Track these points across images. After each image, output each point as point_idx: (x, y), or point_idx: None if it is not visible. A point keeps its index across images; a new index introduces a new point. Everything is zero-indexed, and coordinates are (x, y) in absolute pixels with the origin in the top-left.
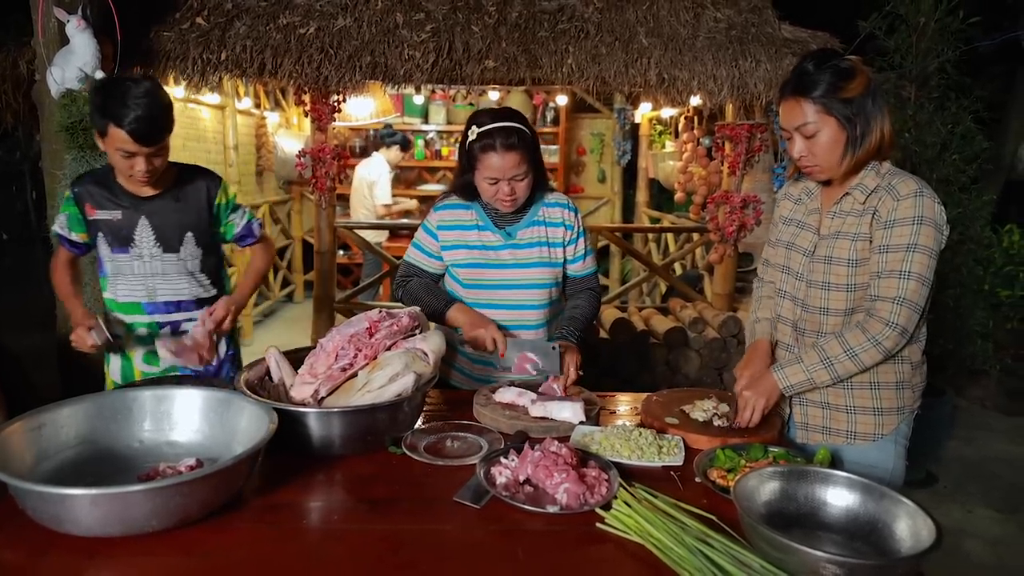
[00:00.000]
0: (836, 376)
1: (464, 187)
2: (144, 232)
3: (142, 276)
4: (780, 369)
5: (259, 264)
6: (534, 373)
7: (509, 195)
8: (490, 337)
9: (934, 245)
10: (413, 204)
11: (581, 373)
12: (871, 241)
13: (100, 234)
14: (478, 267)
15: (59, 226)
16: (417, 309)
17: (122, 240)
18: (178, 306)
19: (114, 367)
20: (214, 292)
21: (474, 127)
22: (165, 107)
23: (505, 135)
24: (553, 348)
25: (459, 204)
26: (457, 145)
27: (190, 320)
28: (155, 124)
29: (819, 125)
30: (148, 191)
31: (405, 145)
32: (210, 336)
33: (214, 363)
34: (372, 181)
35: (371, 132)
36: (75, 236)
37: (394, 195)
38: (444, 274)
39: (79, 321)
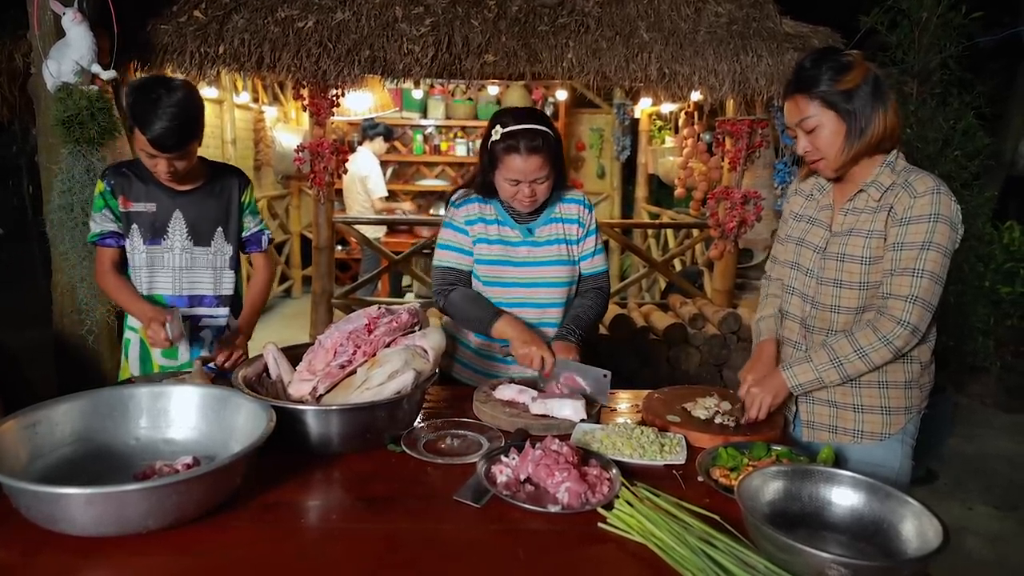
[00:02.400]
0: (846, 376)
1: (484, 186)
2: (177, 224)
3: (170, 268)
4: (789, 368)
5: (261, 285)
6: (579, 397)
7: (529, 196)
8: (539, 356)
9: (949, 244)
10: (407, 206)
11: None
12: (886, 239)
13: (134, 225)
14: (498, 264)
15: (100, 225)
16: (417, 305)
17: (156, 232)
18: (200, 300)
19: (133, 357)
20: (231, 292)
21: (498, 127)
22: (192, 118)
23: (530, 138)
24: (604, 375)
25: (478, 198)
26: (456, 140)
27: (210, 316)
28: (178, 135)
29: (819, 119)
30: (183, 186)
31: (388, 135)
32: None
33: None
34: (364, 176)
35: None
36: (118, 228)
37: (389, 191)
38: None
39: (151, 316)
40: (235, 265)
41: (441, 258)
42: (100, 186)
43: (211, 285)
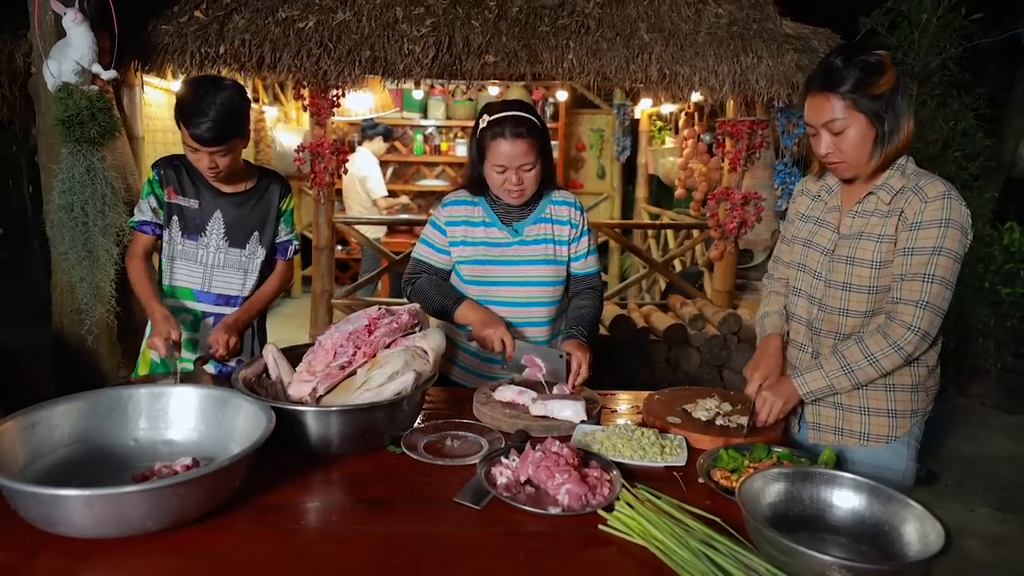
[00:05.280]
0: (857, 383)
1: (475, 180)
2: (216, 224)
3: (203, 265)
4: (800, 375)
5: (269, 288)
6: (539, 378)
7: (517, 185)
8: (498, 338)
9: (959, 249)
10: (405, 199)
11: (590, 372)
12: (896, 243)
13: (174, 218)
14: (483, 264)
15: (143, 213)
16: (417, 306)
17: (194, 228)
18: (227, 300)
19: None
20: None
21: (485, 116)
22: (234, 116)
23: (515, 123)
24: (560, 356)
25: (466, 200)
26: (456, 140)
27: None
28: (217, 130)
29: (848, 121)
30: (227, 187)
31: (388, 135)
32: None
33: (233, 362)
34: (364, 176)
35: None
36: (157, 219)
37: (389, 191)
38: (452, 270)
39: (159, 327)
40: (264, 268)
41: (418, 251)
42: (149, 174)
43: (240, 286)
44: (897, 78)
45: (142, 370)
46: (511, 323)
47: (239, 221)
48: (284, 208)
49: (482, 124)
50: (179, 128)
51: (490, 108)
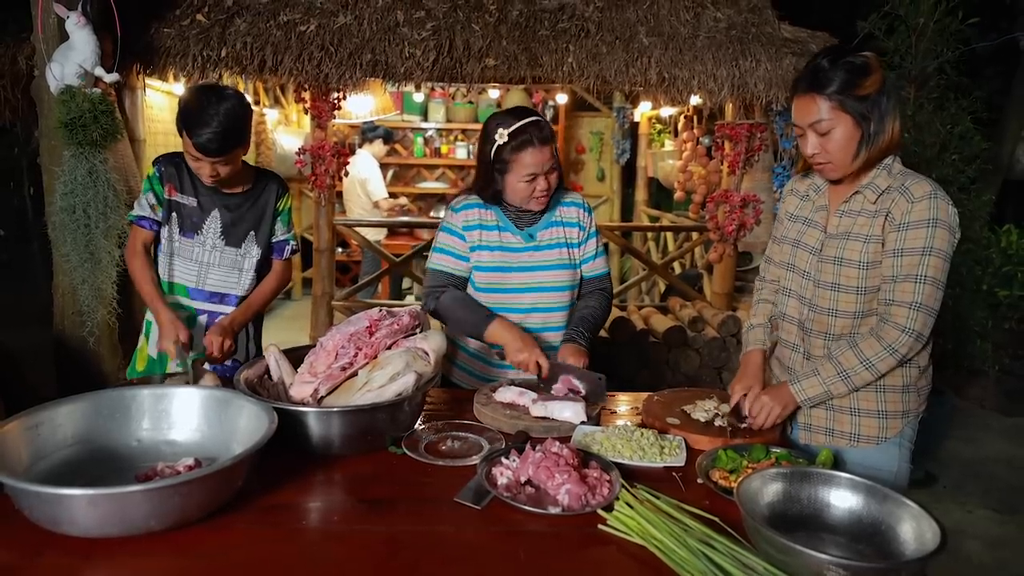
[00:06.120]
0: (853, 387)
1: (492, 195)
2: (213, 223)
3: (198, 263)
4: (797, 382)
5: (266, 288)
6: (578, 398)
7: (545, 190)
8: (534, 361)
9: (948, 248)
10: (404, 200)
11: None
12: (883, 244)
13: (174, 214)
14: (499, 271)
15: (142, 208)
16: (418, 307)
17: (191, 226)
18: (222, 298)
19: (152, 342)
20: None
21: (500, 130)
22: (237, 127)
23: (538, 129)
24: (599, 378)
25: (478, 203)
26: (457, 143)
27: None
28: (221, 141)
29: (834, 122)
30: (226, 188)
31: (388, 138)
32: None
33: (229, 362)
34: (364, 179)
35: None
36: (157, 215)
37: (390, 194)
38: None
39: (167, 330)
40: (260, 268)
41: (435, 261)
42: (150, 170)
43: (235, 285)
44: (883, 79)
45: (139, 366)
46: (527, 329)
47: (236, 221)
48: (281, 208)
49: (500, 140)
50: (181, 136)
51: (501, 120)
